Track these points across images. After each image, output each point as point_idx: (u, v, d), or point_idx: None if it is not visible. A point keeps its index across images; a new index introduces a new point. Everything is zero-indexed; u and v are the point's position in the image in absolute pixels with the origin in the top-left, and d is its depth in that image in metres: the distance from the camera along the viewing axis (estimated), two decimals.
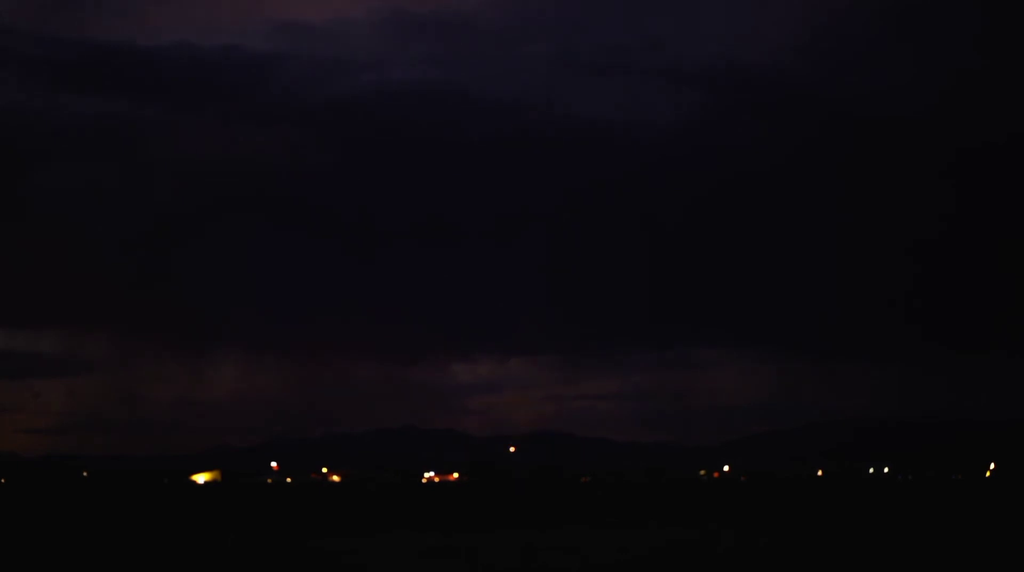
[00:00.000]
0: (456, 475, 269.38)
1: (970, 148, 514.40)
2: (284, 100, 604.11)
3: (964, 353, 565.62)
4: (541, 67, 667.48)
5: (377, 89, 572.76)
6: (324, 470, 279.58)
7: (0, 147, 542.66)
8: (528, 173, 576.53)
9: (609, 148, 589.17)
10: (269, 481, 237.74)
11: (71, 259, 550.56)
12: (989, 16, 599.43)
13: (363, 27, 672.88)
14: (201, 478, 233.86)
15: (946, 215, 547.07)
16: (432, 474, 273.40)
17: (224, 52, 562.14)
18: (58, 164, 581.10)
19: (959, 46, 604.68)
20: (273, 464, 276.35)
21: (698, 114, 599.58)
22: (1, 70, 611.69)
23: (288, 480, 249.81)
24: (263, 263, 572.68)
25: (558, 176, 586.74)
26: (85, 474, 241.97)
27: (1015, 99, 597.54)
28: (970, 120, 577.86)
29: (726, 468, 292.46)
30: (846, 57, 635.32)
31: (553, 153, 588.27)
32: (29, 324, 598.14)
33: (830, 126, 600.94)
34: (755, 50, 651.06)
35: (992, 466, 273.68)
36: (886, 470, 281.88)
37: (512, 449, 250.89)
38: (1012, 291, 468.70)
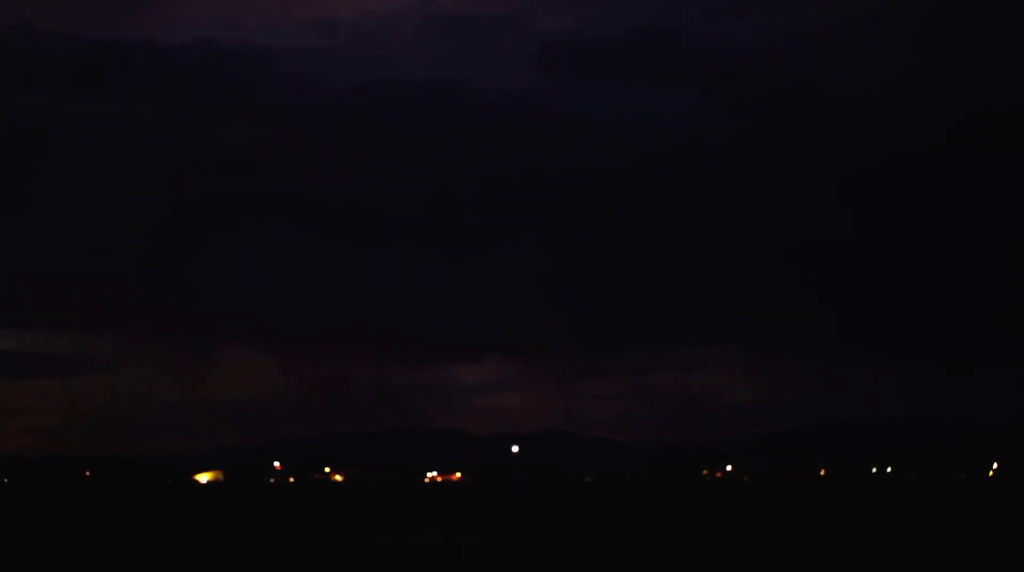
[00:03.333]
0: (459, 475, 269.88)
1: (969, 147, 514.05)
2: (293, 97, 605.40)
3: (963, 358, 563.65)
4: (544, 64, 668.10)
5: (382, 85, 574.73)
6: (327, 470, 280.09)
7: (9, 146, 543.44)
8: (529, 171, 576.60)
9: (609, 145, 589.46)
10: (272, 481, 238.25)
11: (74, 260, 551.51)
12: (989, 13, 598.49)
13: (381, 23, 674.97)
14: (203, 478, 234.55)
15: (946, 215, 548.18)
16: (435, 474, 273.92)
17: (241, 49, 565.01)
18: (65, 164, 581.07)
19: (959, 43, 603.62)
20: (276, 464, 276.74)
21: (701, 111, 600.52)
22: (13, 69, 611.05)
23: (291, 480, 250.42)
24: (267, 263, 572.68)
25: (559, 174, 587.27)
26: (88, 474, 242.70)
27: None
28: (970, 118, 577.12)
29: (728, 468, 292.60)
30: (847, 51, 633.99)
31: (553, 150, 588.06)
32: (32, 325, 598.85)
33: (832, 124, 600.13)
34: (757, 45, 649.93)
35: (995, 466, 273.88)
36: (889, 470, 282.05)
37: (515, 449, 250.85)
38: (1012, 294, 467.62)
